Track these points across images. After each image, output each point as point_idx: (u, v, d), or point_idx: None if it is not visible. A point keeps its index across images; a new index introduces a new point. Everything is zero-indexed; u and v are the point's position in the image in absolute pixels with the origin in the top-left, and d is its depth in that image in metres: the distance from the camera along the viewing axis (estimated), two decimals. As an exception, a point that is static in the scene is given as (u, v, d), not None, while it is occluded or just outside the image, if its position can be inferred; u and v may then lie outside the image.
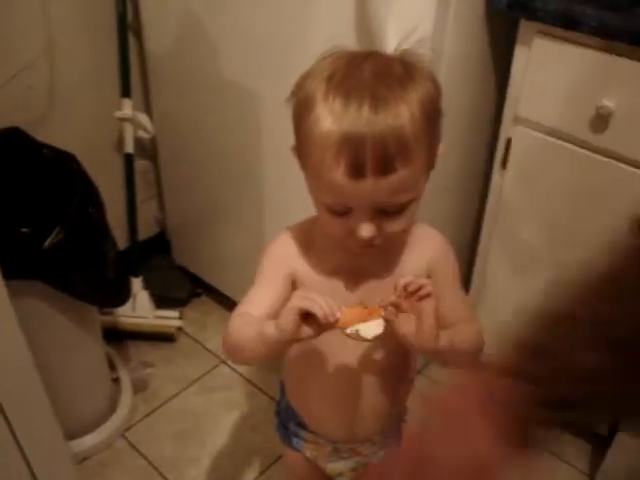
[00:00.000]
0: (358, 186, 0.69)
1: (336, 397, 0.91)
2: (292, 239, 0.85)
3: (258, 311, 0.81)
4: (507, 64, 1.26)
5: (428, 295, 0.73)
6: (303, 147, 0.74)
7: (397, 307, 0.74)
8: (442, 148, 0.78)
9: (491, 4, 1.19)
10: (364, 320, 0.73)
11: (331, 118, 0.69)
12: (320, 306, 0.69)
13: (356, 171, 0.68)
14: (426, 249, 0.87)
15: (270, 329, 0.74)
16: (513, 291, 1.41)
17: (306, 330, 0.72)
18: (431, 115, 0.73)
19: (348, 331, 0.71)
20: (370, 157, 0.67)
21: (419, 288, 0.73)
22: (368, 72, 0.71)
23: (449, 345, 0.76)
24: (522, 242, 1.38)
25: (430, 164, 0.77)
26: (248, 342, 0.79)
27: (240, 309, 0.83)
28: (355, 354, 0.88)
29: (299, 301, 0.71)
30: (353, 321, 0.72)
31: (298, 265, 0.84)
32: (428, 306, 0.73)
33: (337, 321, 0.71)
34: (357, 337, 0.72)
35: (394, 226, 0.75)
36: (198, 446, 1.53)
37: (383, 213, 0.73)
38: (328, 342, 0.86)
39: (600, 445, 1.50)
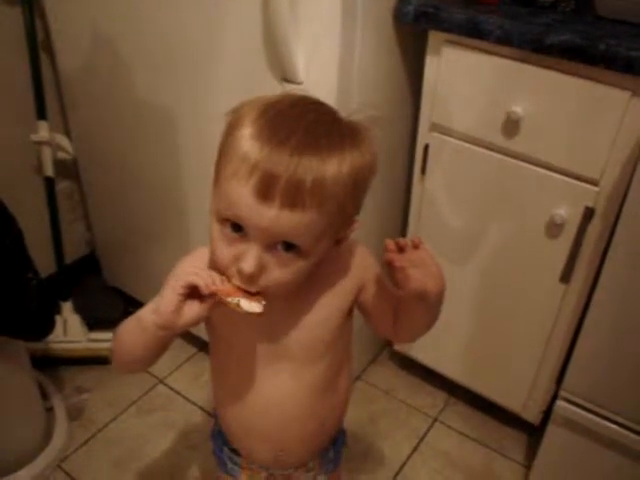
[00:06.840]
0: (262, 209, 0.65)
1: (259, 425, 0.91)
2: (205, 258, 0.81)
3: None
4: (421, 72, 1.28)
5: (420, 242, 0.74)
6: (222, 158, 0.70)
7: (391, 265, 0.71)
8: (356, 225, 0.77)
9: (398, 17, 1.20)
10: (246, 298, 0.72)
11: (256, 138, 0.66)
12: (203, 277, 0.70)
13: (265, 192, 0.65)
14: (353, 269, 0.85)
15: (147, 314, 0.74)
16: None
17: (187, 310, 0.71)
18: (357, 182, 0.70)
19: (229, 299, 0.71)
20: (283, 185, 0.64)
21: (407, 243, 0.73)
22: (312, 116, 0.69)
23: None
24: (446, 243, 1.41)
25: (337, 228, 0.73)
26: (127, 334, 0.79)
27: None
28: (276, 382, 0.87)
29: (184, 277, 0.70)
30: (236, 294, 0.72)
31: None
32: (424, 251, 0.73)
33: (218, 292, 0.71)
34: (236, 307, 0.71)
35: (276, 274, 0.71)
36: (138, 470, 1.50)
37: (273, 254, 0.70)
38: (249, 369, 0.86)
39: (535, 435, 1.55)
